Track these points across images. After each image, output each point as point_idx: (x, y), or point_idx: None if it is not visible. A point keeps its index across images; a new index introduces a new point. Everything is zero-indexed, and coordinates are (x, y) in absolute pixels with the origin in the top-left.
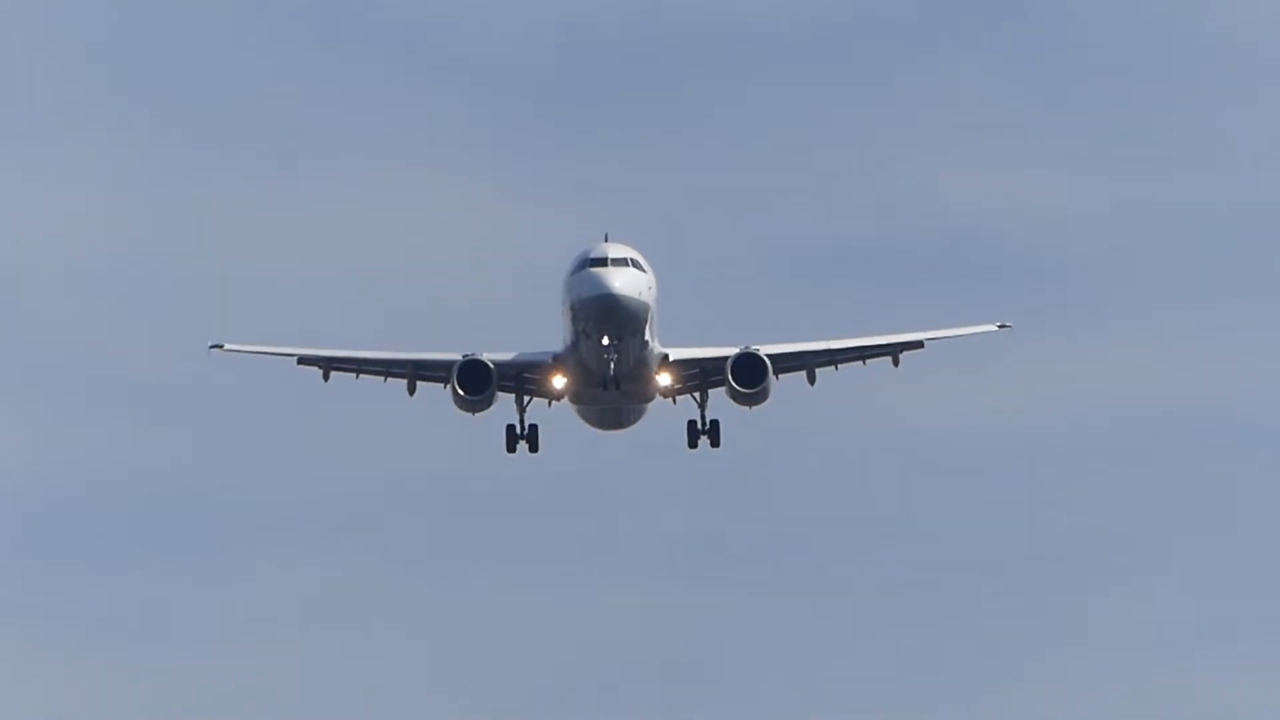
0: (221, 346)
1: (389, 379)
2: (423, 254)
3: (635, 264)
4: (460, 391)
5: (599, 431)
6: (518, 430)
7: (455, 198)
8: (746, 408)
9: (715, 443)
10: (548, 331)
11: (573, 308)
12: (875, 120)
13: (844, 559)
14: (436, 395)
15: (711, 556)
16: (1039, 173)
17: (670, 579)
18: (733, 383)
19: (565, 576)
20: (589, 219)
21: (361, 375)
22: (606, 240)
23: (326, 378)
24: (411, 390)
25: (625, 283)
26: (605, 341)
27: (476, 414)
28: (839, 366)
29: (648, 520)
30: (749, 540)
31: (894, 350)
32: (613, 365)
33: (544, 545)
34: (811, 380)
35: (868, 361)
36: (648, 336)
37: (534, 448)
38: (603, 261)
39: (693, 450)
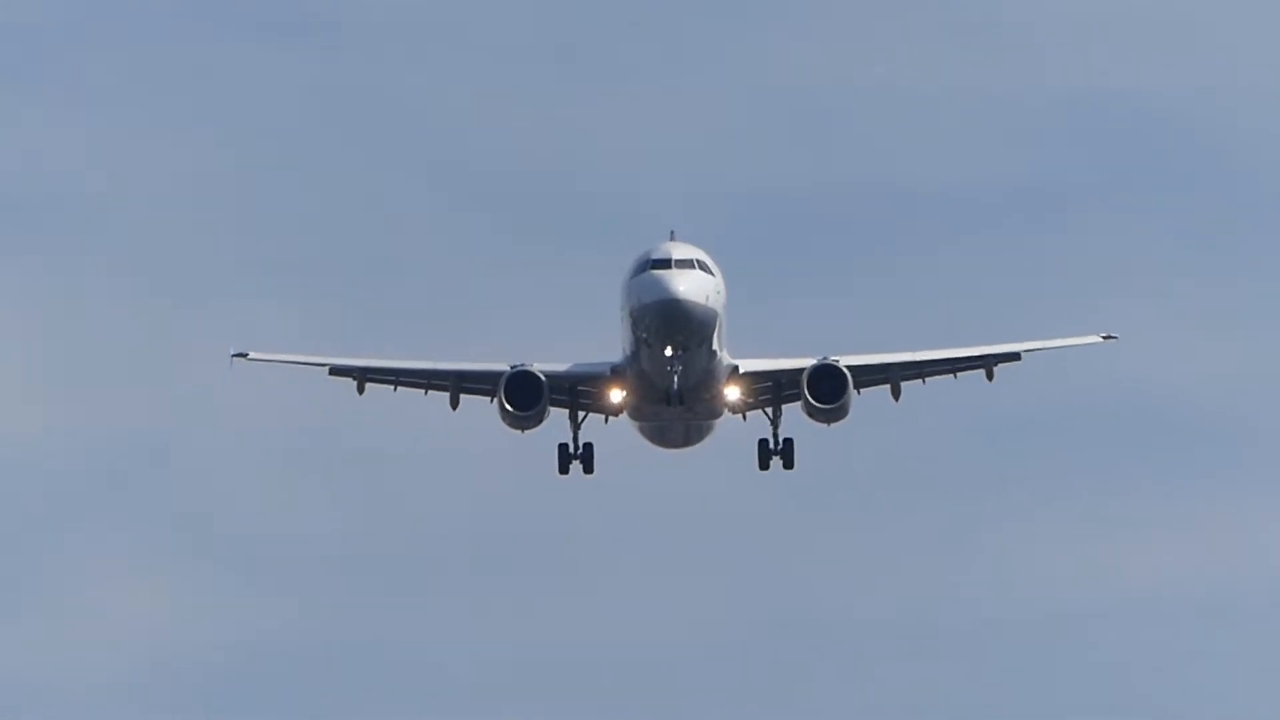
0: (245, 355)
1: (430, 391)
2: (471, 254)
3: (702, 266)
4: (508, 406)
5: (661, 450)
6: (571, 449)
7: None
8: (824, 425)
9: (789, 464)
10: (606, 342)
11: (632, 315)
12: None
13: (929, 595)
14: (482, 409)
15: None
16: None
17: (738, 614)
18: (809, 397)
19: (624, 611)
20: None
21: (400, 387)
22: (672, 239)
23: (361, 390)
24: (455, 404)
25: (691, 287)
26: (668, 352)
27: (526, 431)
28: (926, 380)
29: (714, 549)
30: (825, 572)
31: (988, 362)
32: (676, 378)
33: (600, 577)
34: (896, 395)
35: (959, 375)
36: (715, 346)
37: (589, 468)
38: (666, 263)
39: (764, 472)
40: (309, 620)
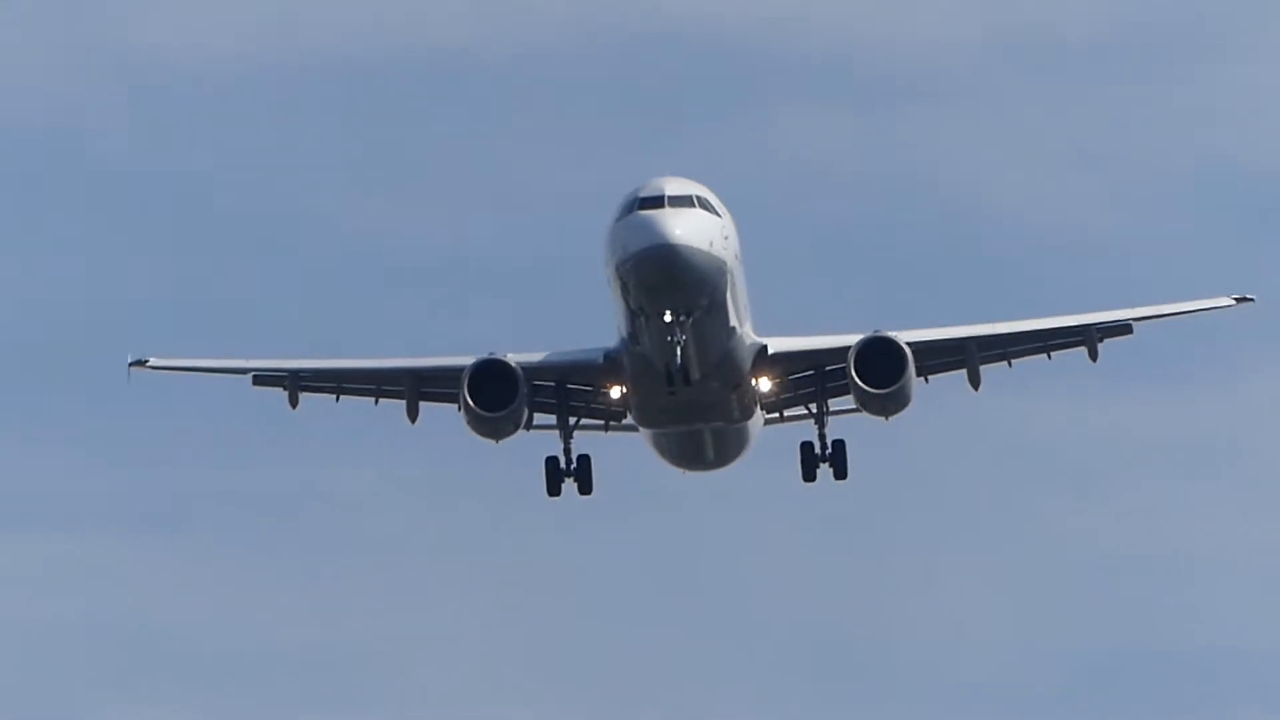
0: (145, 362)
1: (381, 400)
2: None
3: (704, 204)
4: (475, 405)
5: (683, 470)
6: (562, 464)
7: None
8: (881, 418)
9: (840, 473)
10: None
11: (619, 271)
12: None
13: (1017, 631)
14: (448, 420)
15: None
16: None
17: (781, 674)
18: (858, 380)
19: (633, 675)
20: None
21: (343, 396)
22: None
23: (295, 402)
24: (413, 414)
25: (690, 229)
26: (666, 319)
27: (500, 439)
28: (1012, 362)
29: (749, 590)
30: (883, 610)
31: (1090, 336)
32: (679, 351)
33: (601, 626)
34: (975, 382)
35: (1054, 354)
36: (731, 315)
37: (585, 488)
38: (658, 201)
39: (810, 484)
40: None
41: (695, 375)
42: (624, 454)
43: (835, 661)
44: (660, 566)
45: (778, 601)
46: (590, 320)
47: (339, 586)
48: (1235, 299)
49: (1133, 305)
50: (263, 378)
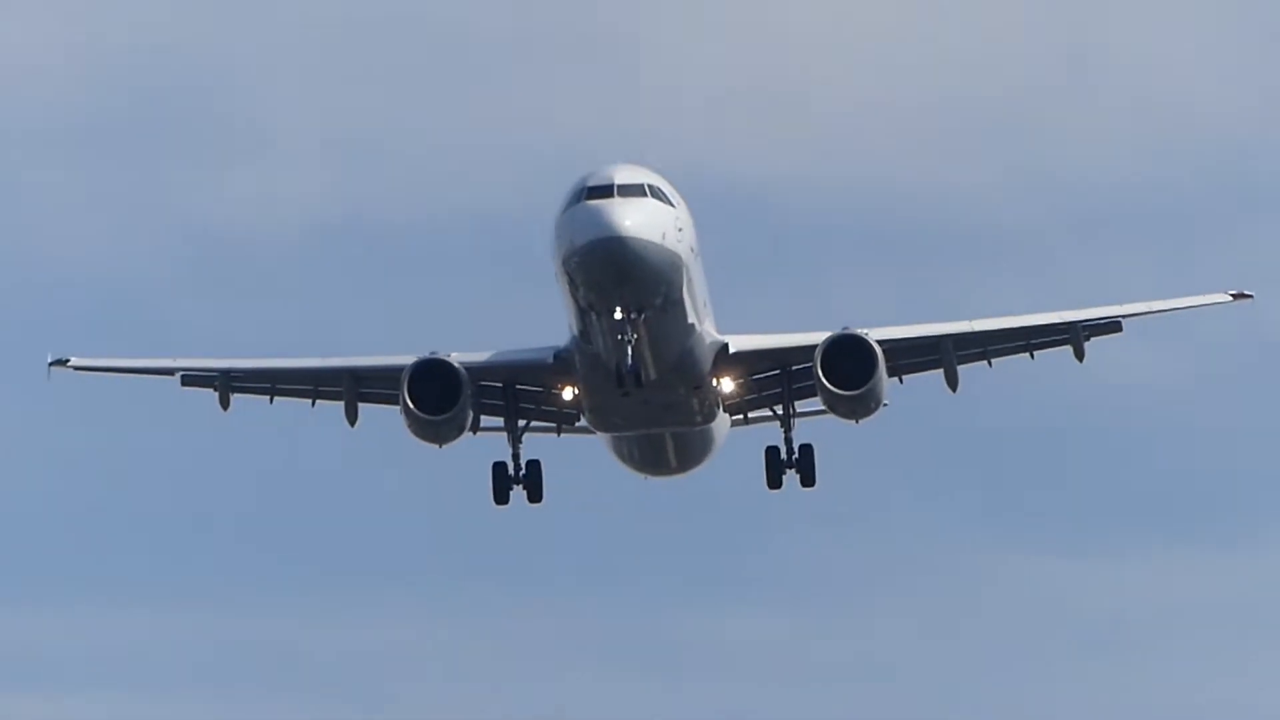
0: (66, 362)
1: (318, 401)
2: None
3: (657, 193)
4: (415, 408)
5: (645, 476)
6: (511, 470)
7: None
8: (851, 421)
9: (808, 479)
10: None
11: (565, 265)
12: None
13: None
14: (390, 422)
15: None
16: None
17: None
18: (824, 380)
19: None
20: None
21: (278, 397)
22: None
23: (226, 403)
24: (352, 416)
25: (641, 220)
26: (617, 316)
27: (444, 444)
28: (993, 361)
29: (711, 602)
30: (856, 625)
31: (1076, 333)
32: (630, 350)
33: (551, 644)
34: (953, 383)
35: (1037, 353)
36: (689, 311)
37: (535, 495)
38: (606, 190)
39: (775, 491)
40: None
41: (650, 375)
42: (578, 458)
43: (799, 685)
44: (617, 582)
45: (736, 618)
46: (543, 316)
47: (264, 601)
48: (1233, 295)
49: (1122, 302)
50: (192, 378)
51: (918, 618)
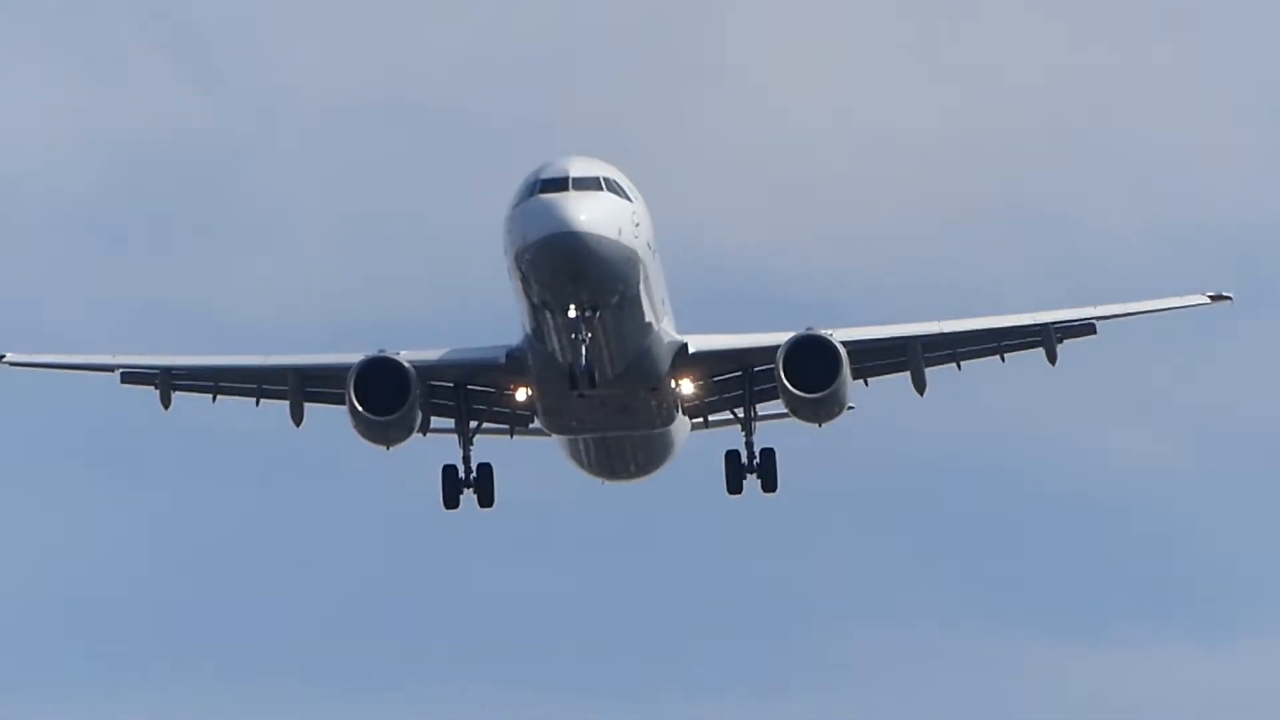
0: (2, 357)
1: (263, 400)
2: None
3: (613, 186)
4: (361, 408)
5: (602, 480)
6: (461, 473)
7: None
8: (813, 424)
9: (769, 484)
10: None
11: (518, 261)
12: None
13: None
14: (335, 422)
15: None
16: None
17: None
18: (787, 382)
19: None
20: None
21: (220, 396)
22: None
23: (167, 401)
24: (297, 416)
25: (596, 214)
26: (571, 314)
27: (392, 446)
28: (962, 364)
29: (667, 611)
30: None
31: (1049, 335)
32: (584, 350)
33: (496, 653)
34: (920, 385)
35: (1006, 356)
36: (646, 308)
37: (486, 499)
38: (560, 183)
39: (735, 496)
40: None
41: (606, 375)
42: (530, 461)
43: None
44: (569, 591)
45: (698, 630)
46: (495, 314)
47: (211, 608)
48: (1211, 296)
49: (1095, 303)
50: (132, 375)
51: (876, 630)
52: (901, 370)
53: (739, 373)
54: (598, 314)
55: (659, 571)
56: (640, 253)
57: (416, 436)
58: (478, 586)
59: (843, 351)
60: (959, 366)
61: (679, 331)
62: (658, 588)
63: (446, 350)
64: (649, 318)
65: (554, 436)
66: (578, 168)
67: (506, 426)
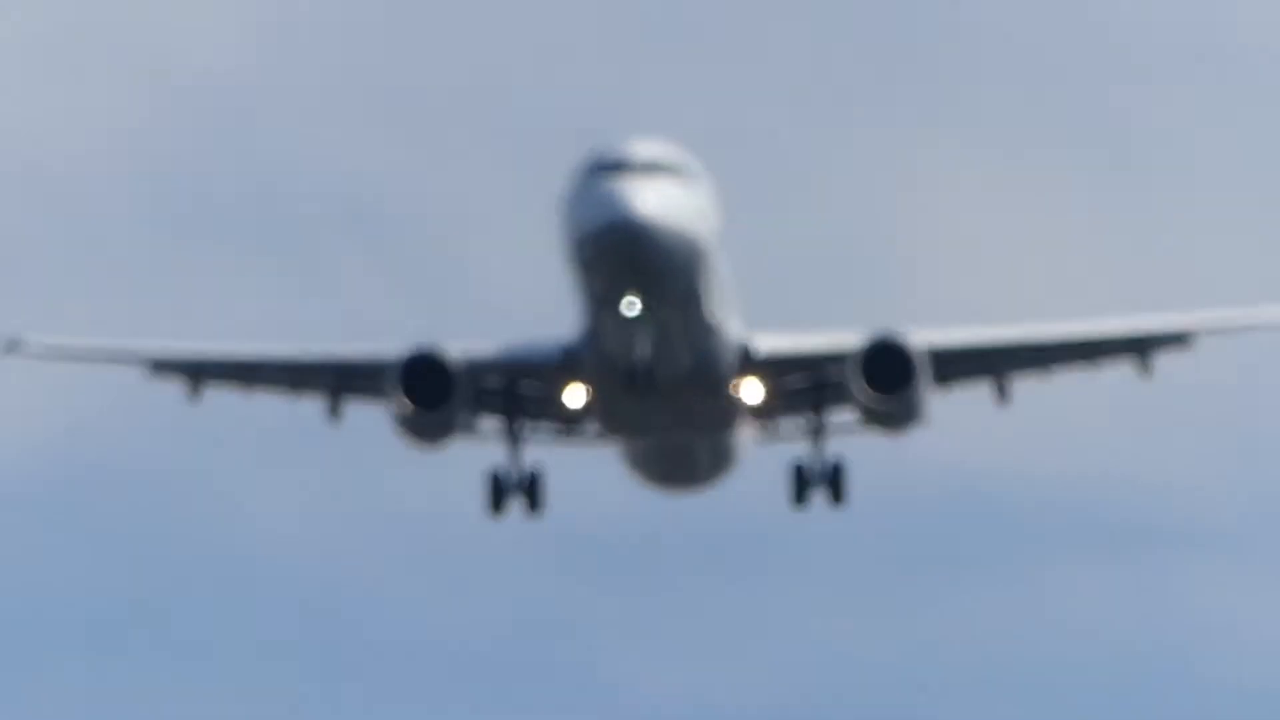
0: (22, 344)
1: (298, 395)
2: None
3: (678, 170)
4: (407, 403)
5: (662, 490)
6: (509, 479)
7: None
8: (887, 433)
9: (838, 496)
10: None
11: (577, 250)
12: None
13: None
14: (377, 422)
15: None
16: None
17: None
18: (860, 383)
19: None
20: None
21: (254, 389)
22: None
23: (197, 394)
24: (335, 412)
25: (660, 201)
26: (631, 308)
27: (436, 444)
28: (1050, 373)
29: (728, 632)
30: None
31: (1143, 346)
32: (645, 347)
33: (533, 655)
34: (1003, 394)
35: (1099, 363)
36: (711, 304)
37: (535, 504)
38: (623, 165)
39: (800, 507)
40: None
41: (665, 376)
42: (583, 468)
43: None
44: (623, 605)
45: (761, 656)
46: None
47: (240, 615)
48: None
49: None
50: (161, 366)
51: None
52: (981, 376)
53: (808, 376)
54: (659, 309)
55: (723, 589)
56: (708, 244)
57: (461, 437)
58: (520, 596)
59: (922, 358)
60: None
61: (747, 328)
62: (716, 608)
63: (497, 344)
64: (714, 313)
65: (609, 442)
66: (641, 150)
67: (559, 429)
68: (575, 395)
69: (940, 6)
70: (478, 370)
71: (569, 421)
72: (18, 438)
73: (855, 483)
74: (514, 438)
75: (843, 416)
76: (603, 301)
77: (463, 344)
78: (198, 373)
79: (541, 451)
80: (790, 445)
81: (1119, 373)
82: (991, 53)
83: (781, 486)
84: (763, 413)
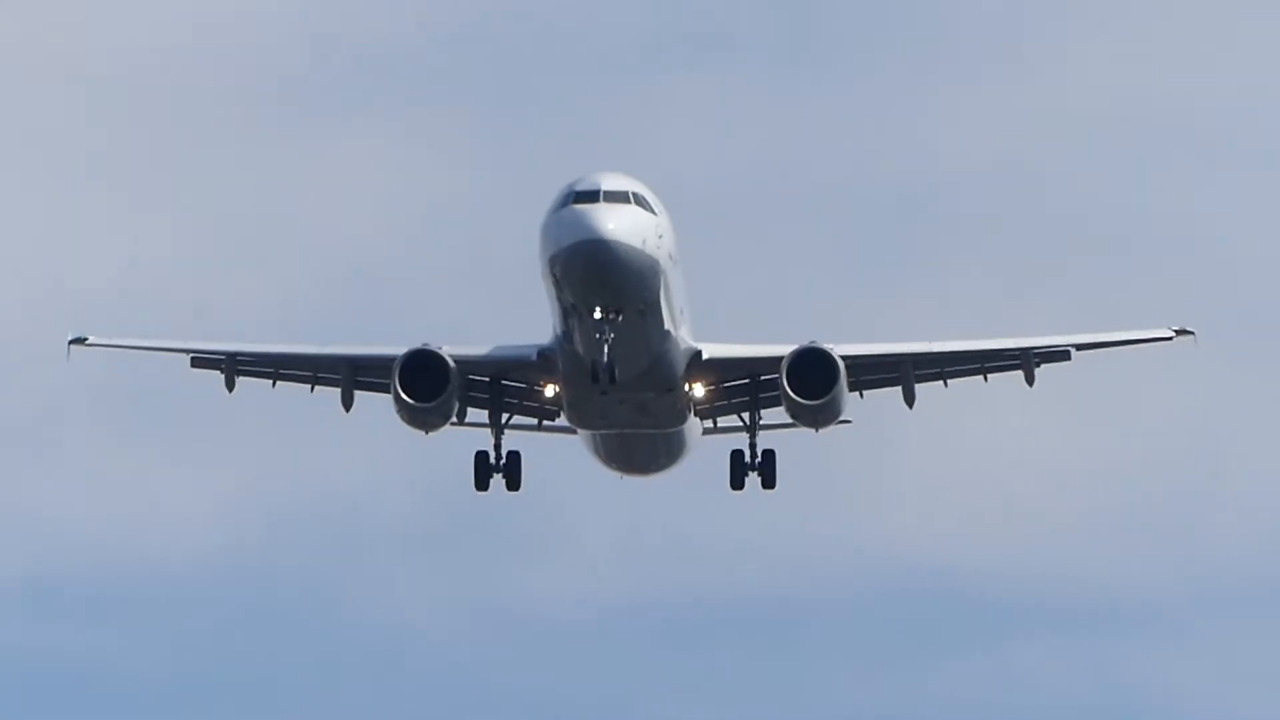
0: (85, 340)
1: (317, 387)
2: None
3: (640, 201)
4: (404, 394)
5: (621, 475)
6: (492, 459)
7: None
8: (812, 429)
9: (768, 482)
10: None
11: (550, 265)
12: None
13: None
14: (383, 410)
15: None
16: None
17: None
18: (789, 389)
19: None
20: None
21: (280, 381)
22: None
23: (231, 385)
24: (348, 402)
25: (623, 225)
26: (596, 315)
27: (430, 431)
28: (949, 382)
29: (670, 588)
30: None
31: (1028, 359)
32: (606, 349)
33: (517, 623)
34: (910, 398)
35: (990, 376)
36: (664, 315)
37: (513, 484)
38: (592, 195)
39: (737, 491)
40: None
41: (624, 375)
42: (557, 454)
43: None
44: (580, 563)
45: (702, 608)
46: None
47: (267, 562)
48: (1175, 331)
49: (1072, 332)
50: (201, 360)
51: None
52: (892, 384)
53: (746, 379)
54: (620, 316)
55: (665, 554)
56: (662, 262)
57: (453, 425)
58: (498, 565)
59: (841, 365)
60: (945, 383)
61: (695, 339)
62: (660, 569)
63: (483, 346)
64: (667, 323)
65: (578, 432)
66: (609, 182)
67: (535, 420)
68: (548, 389)
69: None
70: (466, 367)
71: (542, 414)
72: None
73: (783, 470)
74: (497, 426)
75: (775, 414)
76: (571, 309)
77: (453, 346)
78: (233, 366)
79: (520, 438)
80: (730, 438)
81: (1008, 381)
82: None
83: (723, 472)
84: (708, 410)
